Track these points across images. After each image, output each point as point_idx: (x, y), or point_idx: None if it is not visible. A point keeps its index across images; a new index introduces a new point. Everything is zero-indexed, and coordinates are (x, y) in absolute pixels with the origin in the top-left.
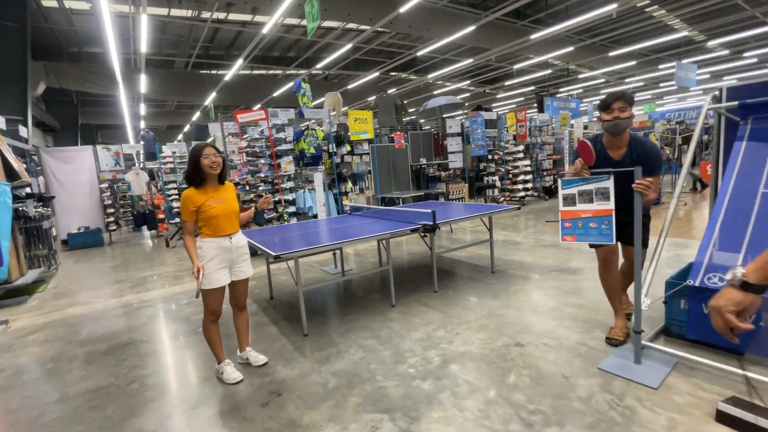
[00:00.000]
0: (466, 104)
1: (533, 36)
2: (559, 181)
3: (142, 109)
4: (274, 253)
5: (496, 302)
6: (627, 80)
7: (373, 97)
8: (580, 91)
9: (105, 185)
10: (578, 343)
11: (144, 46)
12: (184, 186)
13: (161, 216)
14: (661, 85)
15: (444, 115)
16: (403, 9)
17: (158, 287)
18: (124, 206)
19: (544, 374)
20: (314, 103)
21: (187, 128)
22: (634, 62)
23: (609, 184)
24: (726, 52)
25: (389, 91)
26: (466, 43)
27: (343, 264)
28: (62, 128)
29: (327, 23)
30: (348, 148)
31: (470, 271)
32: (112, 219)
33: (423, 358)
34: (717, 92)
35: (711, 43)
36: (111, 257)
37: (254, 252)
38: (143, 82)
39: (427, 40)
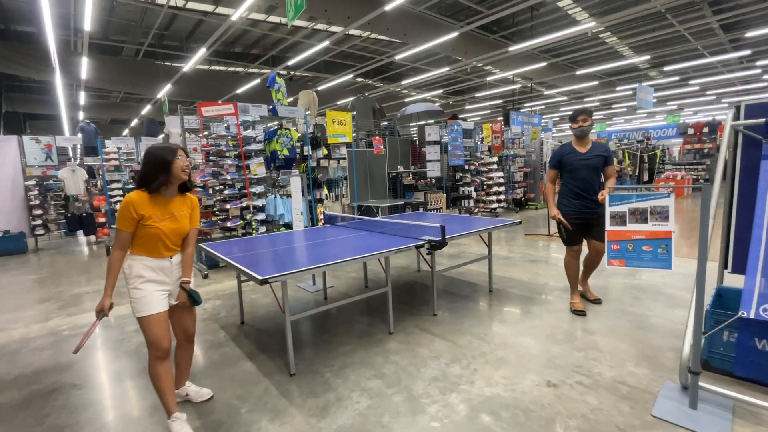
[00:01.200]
0: (444, 112)
1: (511, 48)
2: (606, 197)
3: (82, 98)
4: (260, 277)
5: (507, 328)
6: (585, 100)
7: (343, 101)
8: (543, 107)
9: (32, 182)
10: (616, 381)
11: (88, 24)
12: (131, 186)
13: (101, 219)
14: (614, 106)
15: (422, 122)
16: (389, 7)
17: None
18: (56, 207)
19: (593, 425)
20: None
21: (134, 123)
22: (596, 82)
23: (669, 201)
24: (676, 78)
25: (366, 94)
26: (440, 52)
27: (325, 281)
28: None
29: (296, 21)
30: (325, 151)
31: (465, 289)
32: (39, 222)
33: (445, 406)
34: (735, 109)
35: (666, 69)
36: (36, 268)
37: (215, 264)
38: (85, 67)
39: (399, 46)
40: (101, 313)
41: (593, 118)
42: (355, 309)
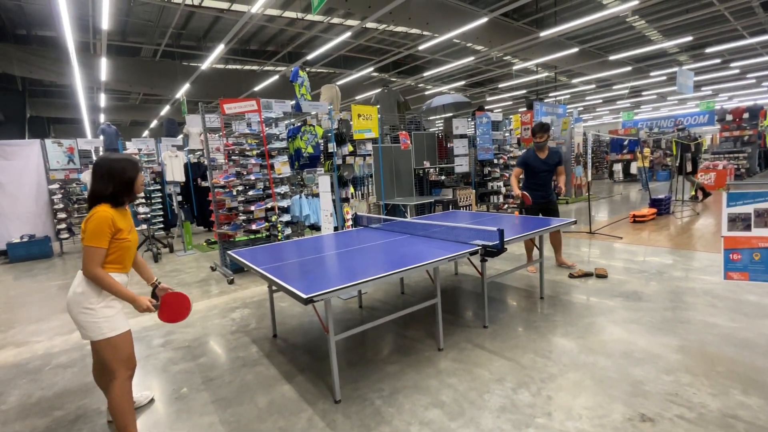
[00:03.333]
0: (472, 103)
1: (542, 34)
2: (724, 195)
3: (103, 100)
4: (304, 295)
5: (573, 344)
6: (614, 87)
7: (361, 96)
8: (568, 96)
9: (56, 186)
10: (725, 415)
11: (106, 23)
12: (153, 188)
13: None
14: (643, 93)
15: (448, 114)
16: None
17: None
18: (79, 210)
19: None
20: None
21: (154, 123)
22: (629, 68)
23: None
24: (713, 62)
25: (390, 87)
26: (461, 42)
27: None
28: (6, 120)
29: (311, 17)
30: (350, 147)
31: (513, 295)
32: (63, 226)
33: None
34: None
35: (708, 51)
36: (62, 273)
37: (240, 269)
38: (104, 68)
39: (417, 38)
40: (148, 309)
41: (625, 101)
42: (395, 319)
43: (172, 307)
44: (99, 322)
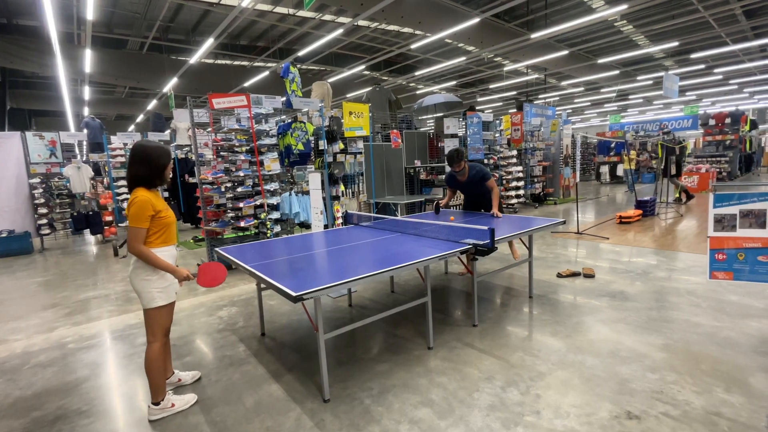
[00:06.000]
0: (463, 103)
1: (533, 35)
2: (710, 196)
3: (87, 93)
4: (294, 293)
5: (561, 342)
6: (602, 90)
7: (352, 94)
8: (557, 98)
9: (37, 180)
10: (709, 412)
11: (90, 13)
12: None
13: (108, 218)
14: (630, 97)
15: (439, 114)
16: None
17: (106, 315)
18: (62, 205)
19: None
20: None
21: (140, 118)
22: (617, 72)
23: None
24: (696, 67)
25: (381, 85)
26: (452, 42)
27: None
28: None
29: (302, 13)
30: (341, 145)
31: (502, 295)
32: (44, 221)
33: None
34: None
35: (693, 57)
36: (42, 269)
37: (228, 266)
38: (88, 59)
39: (410, 37)
40: (187, 278)
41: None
42: (384, 318)
43: (208, 273)
44: (153, 292)
